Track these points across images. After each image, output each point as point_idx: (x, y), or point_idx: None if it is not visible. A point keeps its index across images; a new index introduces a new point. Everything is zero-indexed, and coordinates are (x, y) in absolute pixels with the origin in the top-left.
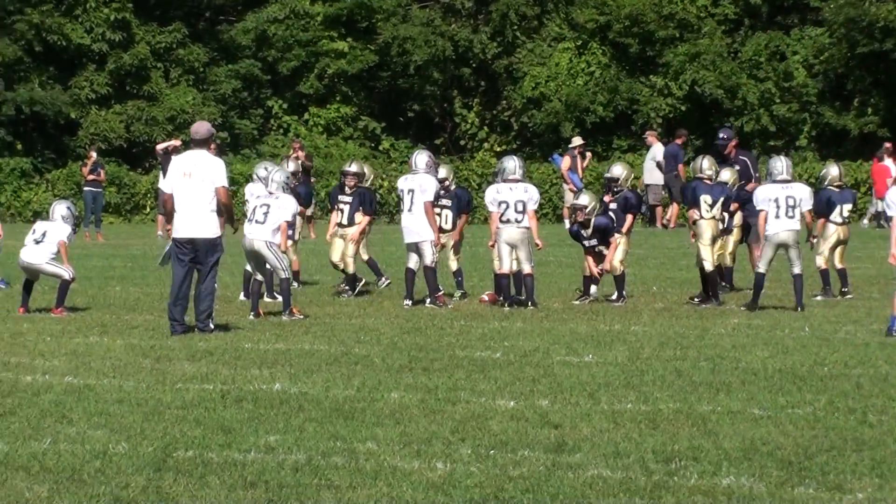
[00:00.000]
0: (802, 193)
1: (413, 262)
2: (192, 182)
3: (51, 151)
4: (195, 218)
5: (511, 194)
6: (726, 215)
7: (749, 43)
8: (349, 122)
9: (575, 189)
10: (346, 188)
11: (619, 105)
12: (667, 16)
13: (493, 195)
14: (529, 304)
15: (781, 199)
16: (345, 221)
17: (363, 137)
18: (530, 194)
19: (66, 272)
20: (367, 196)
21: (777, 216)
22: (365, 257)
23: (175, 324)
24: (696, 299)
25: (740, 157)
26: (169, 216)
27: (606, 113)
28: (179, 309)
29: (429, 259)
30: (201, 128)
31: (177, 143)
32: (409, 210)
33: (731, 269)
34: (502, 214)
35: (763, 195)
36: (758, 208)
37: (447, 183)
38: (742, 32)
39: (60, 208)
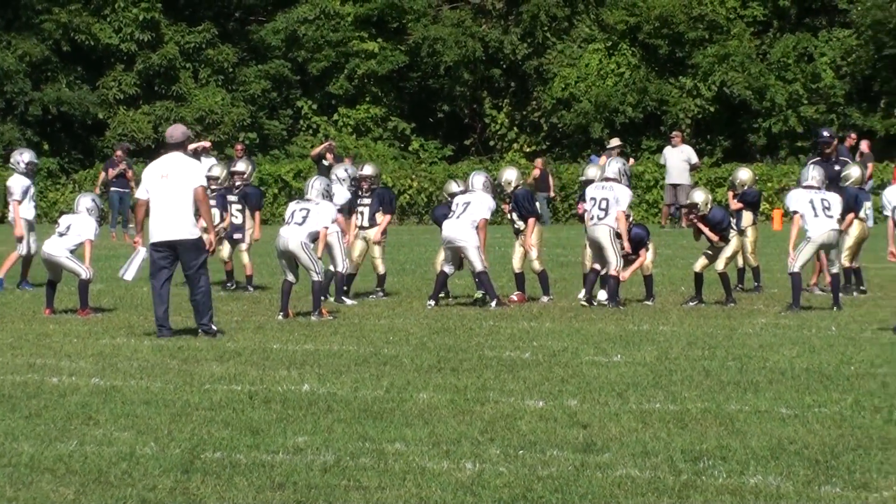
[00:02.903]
0: (834, 200)
1: (448, 266)
2: (170, 184)
3: (78, 152)
4: (174, 220)
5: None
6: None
7: (777, 44)
8: (379, 123)
9: None
10: (362, 191)
11: (649, 106)
12: (696, 17)
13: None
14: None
15: (816, 201)
16: (366, 223)
17: (393, 138)
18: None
19: (83, 271)
20: (386, 196)
21: (816, 216)
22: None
23: (162, 328)
24: (693, 301)
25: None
26: (141, 224)
27: (635, 114)
28: (163, 313)
29: (479, 265)
30: (176, 131)
31: (206, 144)
32: (458, 217)
33: (758, 267)
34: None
35: (797, 197)
36: (791, 209)
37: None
38: (770, 34)
39: (85, 200)
